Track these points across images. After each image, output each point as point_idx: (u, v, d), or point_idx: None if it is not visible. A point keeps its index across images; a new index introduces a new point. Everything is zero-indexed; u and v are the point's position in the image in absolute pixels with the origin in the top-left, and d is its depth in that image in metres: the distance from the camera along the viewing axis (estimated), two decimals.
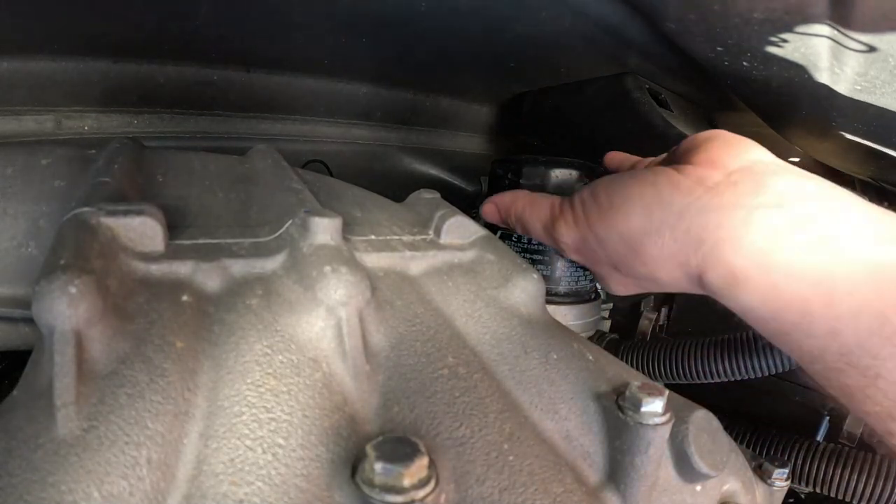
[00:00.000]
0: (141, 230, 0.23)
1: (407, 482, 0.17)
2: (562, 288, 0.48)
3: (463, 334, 0.28)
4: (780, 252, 0.28)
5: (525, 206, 0.41)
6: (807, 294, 0.27)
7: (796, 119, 0.50)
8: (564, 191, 0.46)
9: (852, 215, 0.28)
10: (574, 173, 0.47)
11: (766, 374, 0.45)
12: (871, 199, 0.35)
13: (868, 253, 0.27)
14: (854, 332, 0.26)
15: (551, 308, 0.39)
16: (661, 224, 0.32)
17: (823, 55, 0.32)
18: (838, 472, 0.44)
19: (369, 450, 0.18)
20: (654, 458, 0.24)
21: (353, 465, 0.19)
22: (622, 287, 0.40)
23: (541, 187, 0.46)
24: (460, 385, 0.25)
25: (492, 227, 0.50)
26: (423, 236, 0.32)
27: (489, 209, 0.45)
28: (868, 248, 0.27)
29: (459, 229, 0.33)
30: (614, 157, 0.48)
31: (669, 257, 0.32)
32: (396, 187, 0.43)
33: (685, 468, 0.27)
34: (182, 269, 0.24)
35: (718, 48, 0.37)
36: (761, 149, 0.33)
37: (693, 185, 0.32)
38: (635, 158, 0.46)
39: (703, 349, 0.47)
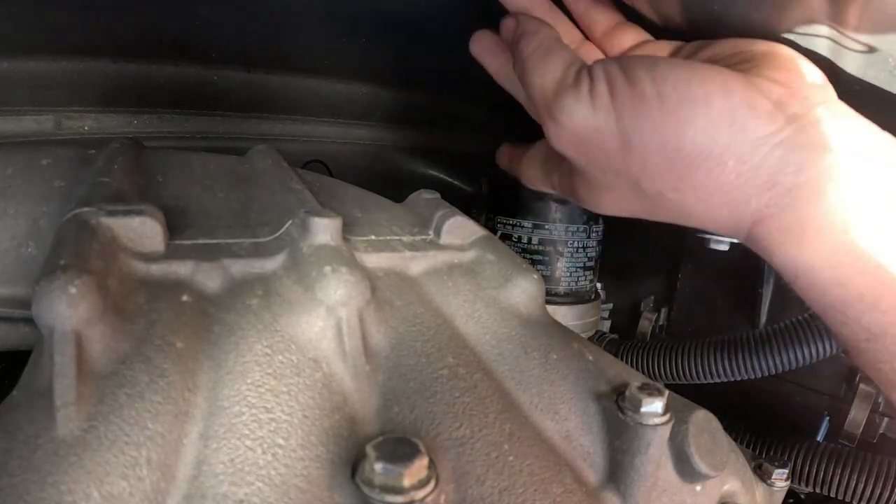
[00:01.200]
0: (141, 230, 0.23)
1: (407, 482, 0.17)
2: (561, 288, 0.48)
3: (463, 334, 0.28)
4: (865, 213, 0.24)
5: (539, 55, 0.30)
6: (886, 262, 0.24)
7: None
8: None
9: None
10: None
11: (767, 374, 0.45)
12: None
13: None
14: None
15: (551, 308, 0.39)
16: (725, 149, 0.25)
17: (823, 55, 0.32)
18: (838, 472, 0.44)
19: (369, 450, 0.18)
20: (654, 459, 0.24)
21: (353, 466, 0.19)
22: (614, 204, 0.33)
23: None
24: (460, 385, 0.25)
25: (491, 230, 0.50)
26: (423, 236, 0.32)
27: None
28: None
29: (459, 229, 0.33)
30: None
31: (722, 191, 0.26)
32: (396, 187, 0.43)
33: (685, 468, 0.27)
34: (182, 269, 0.24)
35: None
36: (825, 80, 0.28)
37: (773, 110, 0.25)
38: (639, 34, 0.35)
39: (703, 349, 0.47)
